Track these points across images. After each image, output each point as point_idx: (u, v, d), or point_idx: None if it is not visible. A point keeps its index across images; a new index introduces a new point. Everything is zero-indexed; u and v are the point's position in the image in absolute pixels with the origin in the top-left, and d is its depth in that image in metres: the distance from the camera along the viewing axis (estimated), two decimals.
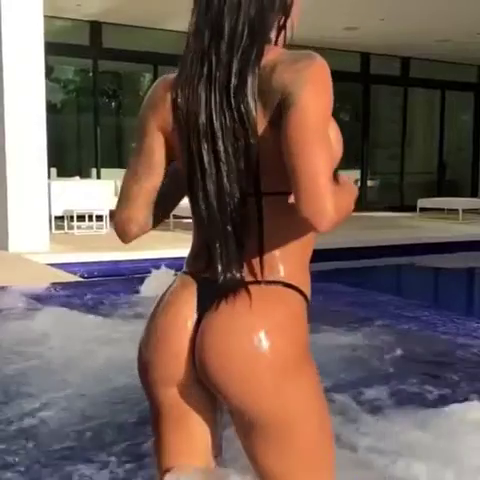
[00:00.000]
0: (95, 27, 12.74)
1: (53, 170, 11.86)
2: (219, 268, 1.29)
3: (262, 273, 1.30)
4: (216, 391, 1.31)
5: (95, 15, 12.15)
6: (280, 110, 1.22)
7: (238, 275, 1.29)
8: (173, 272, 4.96)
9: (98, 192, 10.66)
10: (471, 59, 15.92)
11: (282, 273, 1.32)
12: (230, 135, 1.25)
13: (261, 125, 1.25)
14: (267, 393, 1.27)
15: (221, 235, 1.28)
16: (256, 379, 1.27)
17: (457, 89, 17.30)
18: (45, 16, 8.28)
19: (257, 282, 1.30)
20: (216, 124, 1.26)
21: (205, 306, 1.32)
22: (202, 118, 1.27)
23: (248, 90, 1.24)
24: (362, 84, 16.04)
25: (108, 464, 2.32)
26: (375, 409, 2.72)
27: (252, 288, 1.29)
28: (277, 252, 1.32)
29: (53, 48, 9.67)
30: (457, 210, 13.17)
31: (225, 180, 1.26)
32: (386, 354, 3.64)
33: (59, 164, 12.67)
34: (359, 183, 16.36)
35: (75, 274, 6.76)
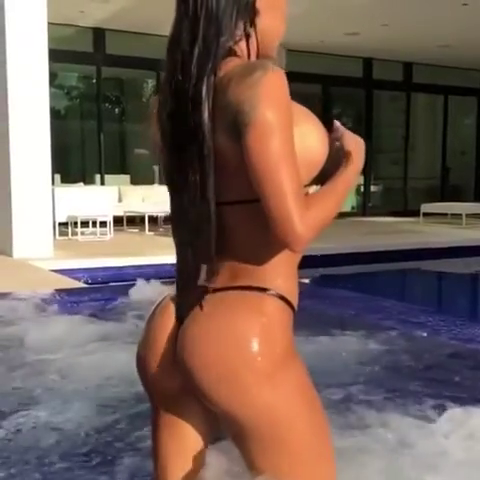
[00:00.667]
0: (98, 34, 12.80)
1: (57, 176, 11.91)
2: (184, 275, 1.35)
3: (214, 279, 1.32)
4: (198, 395, 1.32)
5: (98, 22, 12.20)
6: (237, 126, 1.21)
7: (202, 282, 1.32)
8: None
9: (102, 198, 10.69)
10: (474, 64, 15.94)
11: (257, 279, 1.31)
12: (190, 147, 1.27)
13: (220, 138, 1.25)
14: (234, 397, 1.27)
15: (181, 245, 1.34)
16: (216, 383, 1.27)
17: (460, 94, 17.32)
18: (49, 23, 8.32)
19: (226, 288, 1.32)
20: (180, 136, 1.29)
21: (184, 311, 1.36)
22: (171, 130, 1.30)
23: (202, 103, 1.25)
24: (365, 89, 16.07)
25: (110, 468, 2.33)
26: (377, 413, 2.72)
27: (219, 294, 1.31)
28: (252, 258, 1.31)
29: (57, 55, 9.71)
30: (460, 215, 13.16)
31: (184, 192, 1.30)
32: (389, 359, 3.64)
33: (63, 170, 12.72)
34: (362, 188, 16.38)
35: (79, 280, 6.77)
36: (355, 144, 1.40)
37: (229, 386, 1.27)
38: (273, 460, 1.31)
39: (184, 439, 1.42)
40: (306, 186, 1.32)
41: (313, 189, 1.35)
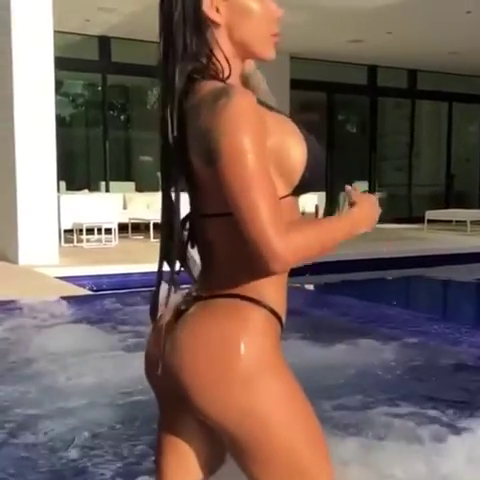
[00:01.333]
0: (104, 42, 12.85)
1: (62, 183, 11.94)
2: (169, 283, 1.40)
3: (204, 287, 1.36)
4: (184, 400, 1.33)
5: (104, 30, 12.25)
6: (209, 153, 1.23)
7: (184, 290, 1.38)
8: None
9: (107, 205, 10.71)
10: (478, 71, 15.94)
11: (244, 288, 1.31)
12: (165, 161, 1.35)
13: (195, 160, 1.28)
14: (208, 405, 1.29)
15: (162, 254, 1.40)
16: (199, 389, 1.29)
17: (464, 101, 17.33)
18: (55, 31, 8.36)
19: (214, 296, 1.34)
20: (161, 149, 1.35)
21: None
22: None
23: (168, 125, 1.29)
24: (369, 96, 16.09)
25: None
26: (383, 423, 2.72)
27: (206, 302, 1.34)
28: (239, 268, 1.31)
29: (63, 63, 9.75)
30: (465, 222, 13.14)
31: (163, 206, 1.37)
32: (395, 368, 3.63)
33: (68, 177, 12.75)
34: None
35: (84, 287, 6.79)
36: (363, 198, 1.38)
37: (210, 390, 1.28)
38: (266, 470, 1.30)
39: (184, 456, 1.43)
40: (287, 196, 1.32)
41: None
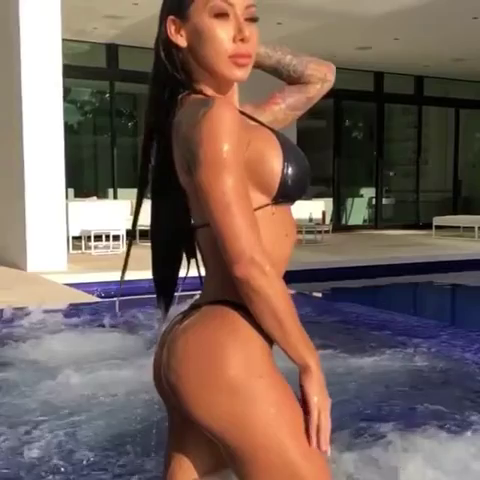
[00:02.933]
0: (111, 49, 12.91)
1: (70, 190, 11.98)
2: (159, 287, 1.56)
3: (201, 295, 1.43)
4: (179, 407, 1.37)
5: (111, 38, 12.32)
6: (189, 164, 1.27)
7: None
8: None
9: (115, 212, 10.73)
10: None
11: (230, 295, 1.32)
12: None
13: (181, 173, 1.33)
14: (193, 408, 1.31)
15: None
16: (182, 396, 1.32)
17: (471, 107, 17.31)
18: (63, 39, 8.41)
19: (207, 303, 1.37)
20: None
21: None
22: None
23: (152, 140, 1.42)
24: (376, 103, 16.10)
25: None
26: (390, 430, 2.70)
27: (200, 309, 1.38)
28: (225, 276, 1.30)
29: (71, 70, 9.81)
30: (473, 228, 13.10)
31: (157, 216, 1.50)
32: (402, 374, 3.62)
33: (76, 184, 12.80)
34: (374, 201, 16.35)
35: (92, 294, 6.80)
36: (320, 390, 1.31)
37: (200, 396, 1.30)
38: (259, 478, 1.30)
39: (190, 465, 1.45)
40: (266, 206, 1.34)
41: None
